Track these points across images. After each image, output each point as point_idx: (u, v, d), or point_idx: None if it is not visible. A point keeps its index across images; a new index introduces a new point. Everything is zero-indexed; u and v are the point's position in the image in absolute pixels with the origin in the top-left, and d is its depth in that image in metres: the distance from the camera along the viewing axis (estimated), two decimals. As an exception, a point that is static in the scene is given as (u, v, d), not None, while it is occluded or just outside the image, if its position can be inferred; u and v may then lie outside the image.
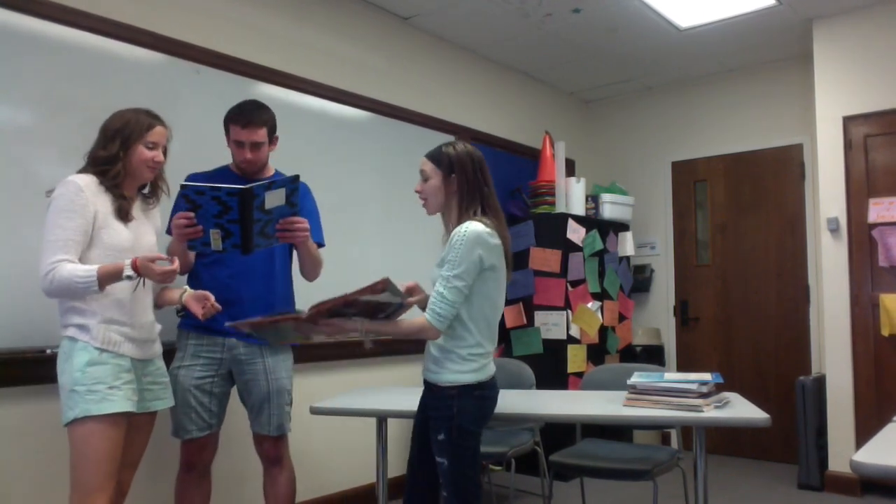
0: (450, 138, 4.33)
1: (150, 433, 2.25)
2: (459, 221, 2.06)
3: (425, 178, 2.12)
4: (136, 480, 2.25)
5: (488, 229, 2.02)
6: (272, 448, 2.54)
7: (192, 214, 2.12)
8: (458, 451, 2.01)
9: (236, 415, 2.63)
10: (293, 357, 2.63)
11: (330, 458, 3.53)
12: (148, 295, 2.21)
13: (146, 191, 2.27)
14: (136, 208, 2.22)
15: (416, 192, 2.16)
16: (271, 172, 2.60)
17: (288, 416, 2.55)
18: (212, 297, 2.24)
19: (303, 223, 2.33)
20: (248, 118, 2.42)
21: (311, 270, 2.59)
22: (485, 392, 2.07)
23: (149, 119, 2.16)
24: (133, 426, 2.13)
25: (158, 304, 2.29)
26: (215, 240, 2.17)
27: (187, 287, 2.33)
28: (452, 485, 2.01)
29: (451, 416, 2.00)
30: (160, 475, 2.66)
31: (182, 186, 2.13)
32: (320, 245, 2.62)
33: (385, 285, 1.87)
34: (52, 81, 2.57)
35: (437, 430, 2.03)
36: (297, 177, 2.22)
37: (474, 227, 2.00)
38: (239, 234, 2.16)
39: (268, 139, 2.49)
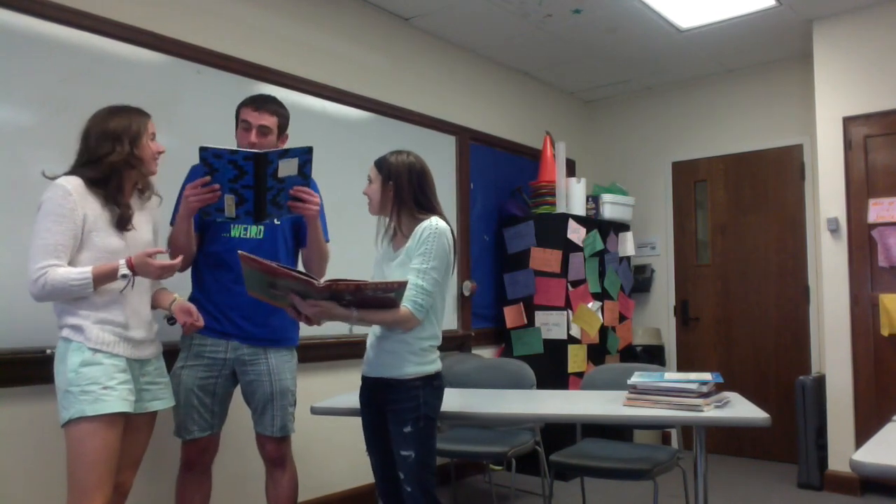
0: (450, 138, 4.40)
1: (150, 433, 2.24)
2: (393, 223, 2.19)
3: (369, 182, 2.25)
4: (136, 480, 2.25)
5: (448, 225, 2.16)
6: (275, 449, 2.52)
7: (209, 179, 2.15)
8: (424, 440, 2.08)
9: (238, 415, 2.63)
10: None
11: (330, 458, 3.53)
12: (145, 294, 2.20)
13: (139, 186, 2.22)
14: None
15: (364, 193, 2.27)
16: None
17: (291, 416, 2.55)
18: (195, 313, 2.22)
19: (314, 196, 2.35)
20: (260, 102, 2.48)
21: (318, 264, 2.55)
22: (440, 382, 2.18)
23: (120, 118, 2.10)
24: (132, 426, 2.12)
25: (152, 307, 2.26)
26: (229, 206, 2.20)
27: (177, 296, 2.30)
28: (417, 479, 2.06)
29: (417, 407, 2.07)
30: (160, 475, 2.66)
31: (201, 149, 2.12)
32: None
33: (401, 286, 1.98)
34: (53, 81, 2.57)
35: (403, 423, 2.07)
36: (310, 148, 2.23)
37: (442, 223, 2.14)
38: (252, 201, 2.20)
39: (276, 131, 2.49)
